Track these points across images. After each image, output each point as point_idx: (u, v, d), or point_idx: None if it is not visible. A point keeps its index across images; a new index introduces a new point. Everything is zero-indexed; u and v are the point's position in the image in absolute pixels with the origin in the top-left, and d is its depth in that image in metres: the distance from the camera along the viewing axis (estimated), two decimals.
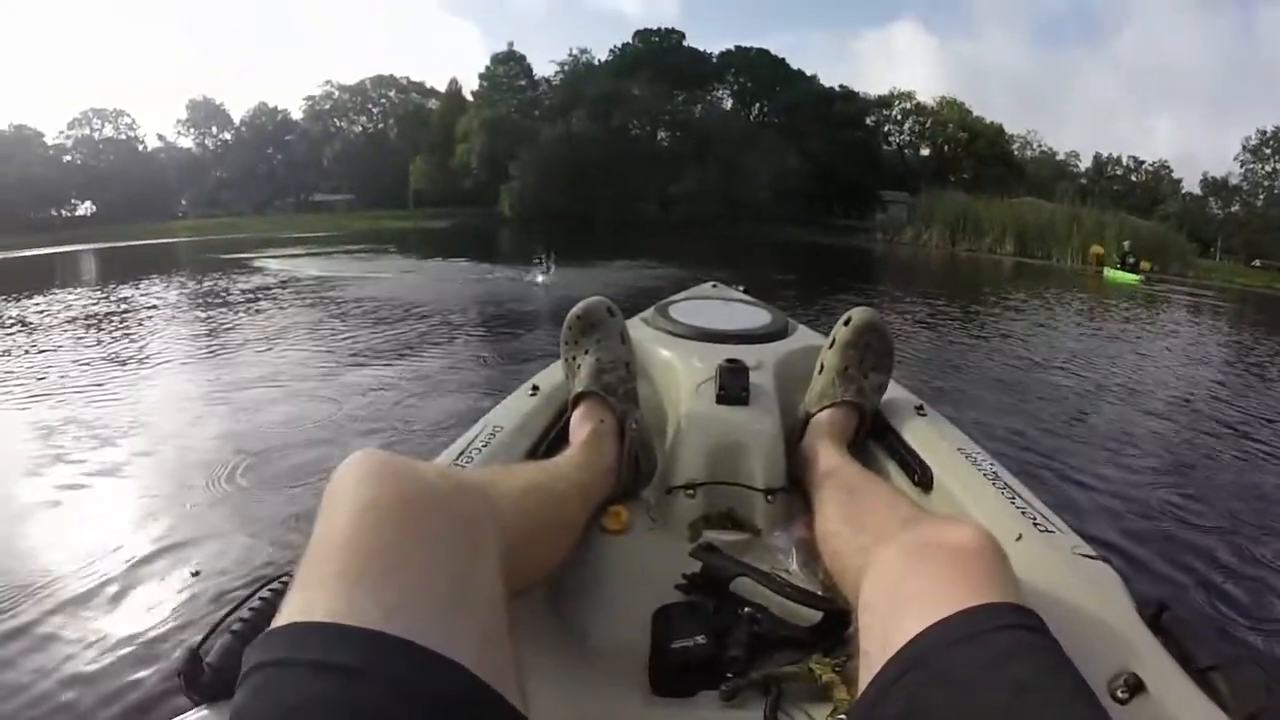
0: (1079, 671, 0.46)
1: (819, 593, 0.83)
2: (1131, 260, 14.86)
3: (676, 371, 1.22)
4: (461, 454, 0.94)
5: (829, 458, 0.97)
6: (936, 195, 25.90)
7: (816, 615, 0.77)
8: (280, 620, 0.41)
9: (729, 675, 0.70)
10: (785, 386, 1.17)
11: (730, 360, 1.09)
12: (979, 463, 0.96)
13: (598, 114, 33.45)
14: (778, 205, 31.34)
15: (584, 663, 0.75)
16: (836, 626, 0.76)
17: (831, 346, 1.09)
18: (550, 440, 1.08)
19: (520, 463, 0.97)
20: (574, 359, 1.07)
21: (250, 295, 7.13)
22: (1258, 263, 35.33)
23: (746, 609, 0.77)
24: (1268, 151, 40.86)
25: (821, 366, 1.10)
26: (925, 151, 44.85)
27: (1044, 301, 9.06)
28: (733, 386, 1.07)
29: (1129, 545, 2.03)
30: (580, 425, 0.99)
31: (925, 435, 1.06)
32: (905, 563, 0.57)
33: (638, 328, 1.41)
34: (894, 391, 1.17)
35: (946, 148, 43.99)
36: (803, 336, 1.44)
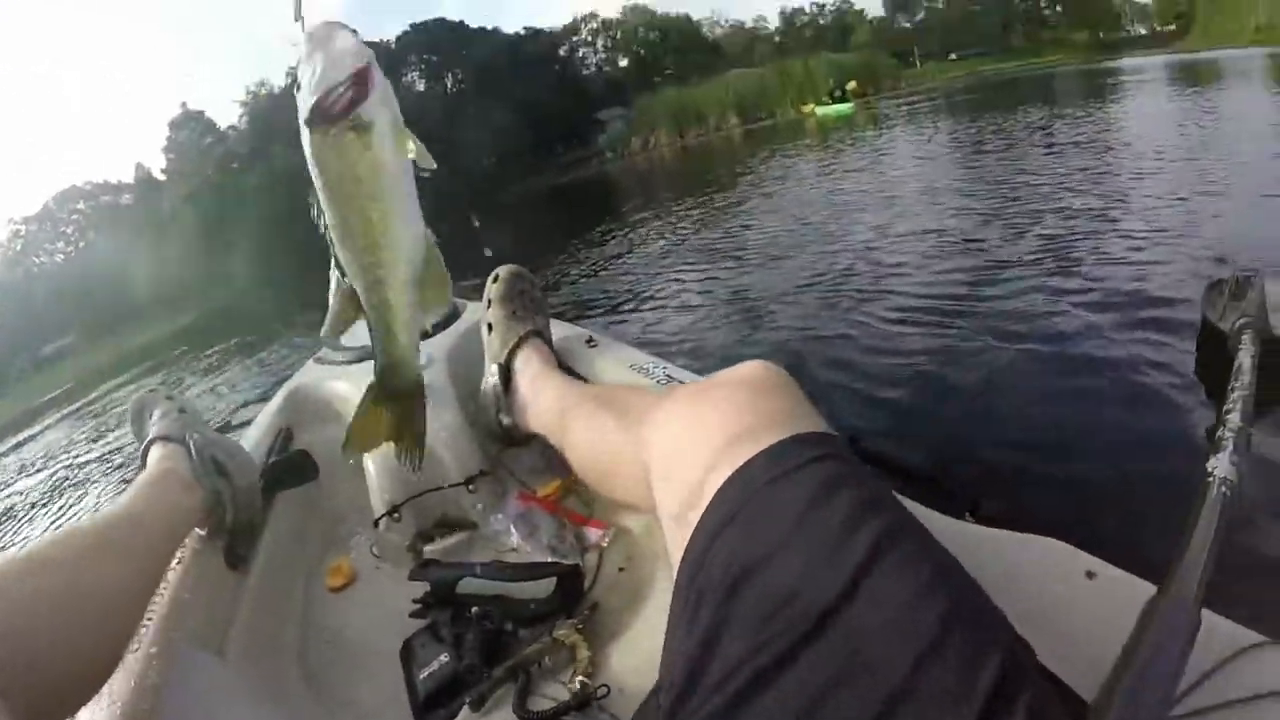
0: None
1: (548, 558, 0.83)
2: (839, 93, 15.84)
3: (351, 403, 1.10)
4: None
5: (553, 384, 0.93)
6: (648, 99, 26.70)
7: (553, 583, 0.76)
8: None
9: (482, 680, 0.69)
10: (466, 368, 1.12)
11: None
12: (652, 372, 0.99)
13: (296, 140, 30.80)
14: (503, 167, 30.57)
15: None
16: (573, 584, 0.77)
17: (490, 306, 1.06)
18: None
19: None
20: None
21: None
22: (953, 55, 40.58)
23: (474, 609, 0.76)
24: None
25: (489, 326, 1.05)
26: (624, 62, 45.64)
27: (772, 165, 9.54)
28: None
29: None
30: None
31: (600, 365, 1.08)
32: (689, 416, 0.55)
33: (311, 371, 1.30)
34: (561, 330, 1.17)
35: (643, 51, 45.19)
36: (474, 313, 1.33)
